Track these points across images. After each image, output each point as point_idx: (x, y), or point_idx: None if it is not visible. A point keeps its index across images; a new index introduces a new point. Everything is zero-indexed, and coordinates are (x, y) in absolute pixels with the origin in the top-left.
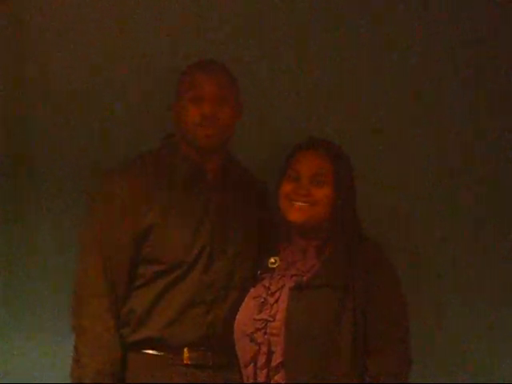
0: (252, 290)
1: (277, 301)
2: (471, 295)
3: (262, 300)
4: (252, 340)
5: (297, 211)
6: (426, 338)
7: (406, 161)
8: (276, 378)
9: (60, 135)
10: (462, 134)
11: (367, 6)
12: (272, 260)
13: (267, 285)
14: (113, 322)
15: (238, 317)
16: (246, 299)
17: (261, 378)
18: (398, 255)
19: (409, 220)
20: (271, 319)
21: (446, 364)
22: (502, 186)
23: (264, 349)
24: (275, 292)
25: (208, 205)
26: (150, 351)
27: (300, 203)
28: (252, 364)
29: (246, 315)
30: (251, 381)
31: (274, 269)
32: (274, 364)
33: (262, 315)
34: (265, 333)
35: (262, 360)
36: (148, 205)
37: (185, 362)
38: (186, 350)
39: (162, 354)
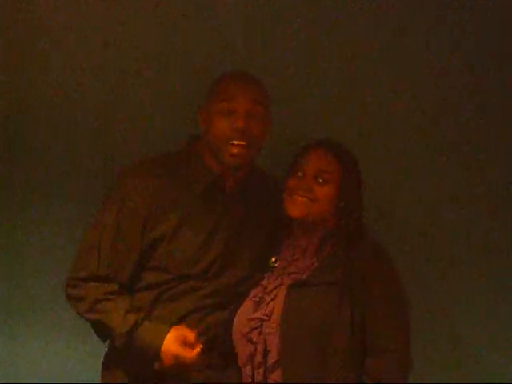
0: (252, 290)
1: (273, 299)
2: (475, 295)
3: (258, 299)
4: (249, 340)
5: (296, 205)
6: (428, 339)
7: (414, 161)
8: (273, 376)
9: (61, 135)
10: (467, 134)
11: (377, 9)
12: (273, 259)
13: (265, 284)
14: (116, 288)
15: (236, 318)
16: (245, 300)
17: (258, 378)
18: (401, 255)
19: (415, 220)
20: (266, 318)
21: (449, 364)
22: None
23: (260, 348)
24: (272, 290)
25: (223, 217)
26: None
27: (300, 198)
28: (249, 364)
29: (243, 315)
30: (249, 380)
31: (274, 268)
32: (269, 363)
33: (257, 314)
34: (260, 332)
35: (258, 359)
36: (163, 212)
37: None
38: None
39: None
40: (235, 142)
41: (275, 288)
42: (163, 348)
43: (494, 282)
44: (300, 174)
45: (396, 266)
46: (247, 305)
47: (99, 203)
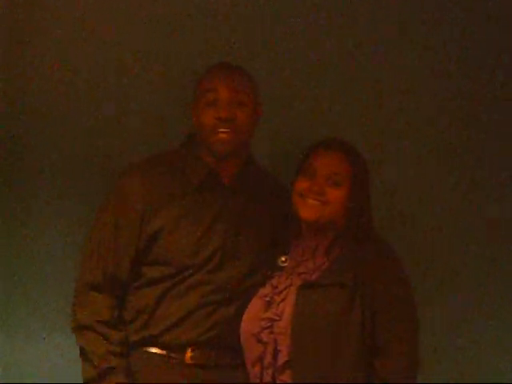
0: (260, 289)
1: (283, 299)
2: (477, 296)
3: (268, 299)
4: (258, 340)
5: (308, 208)
6: (434, 340)
7: (415, 161)
8: (282, 377)
9: (63, 135)
10: (470, 132)
11: (382, 8)
12: (282, 259)
13: (275, 284)
14: (109, 317)
15: (244, 317)
16: (254, 299)
17: (267, 378)
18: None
19: (419, 221)
20: (277, 318)
21: (450, 364)
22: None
23: (270, 348)
24: (282, 291)
25: (222, 210)
26: (153, 350)
27: (312, 200)
28: (258, 364)
29: (253, 315)
30: (258, 380)
31: (283, 267)
32: (279, 363)
33: (267, 314)
34: (271, 332)
35: (267, 359)
36: (160, 206)
37: (187, 361)
38: (189, 349)
39: (164, 352)
40: (221, 130)
41: (285, 288)
42: None
43: (496, 282)
44: (310, 174)
45: (404, 266)
46: (256, 304)
47: (100, 203)
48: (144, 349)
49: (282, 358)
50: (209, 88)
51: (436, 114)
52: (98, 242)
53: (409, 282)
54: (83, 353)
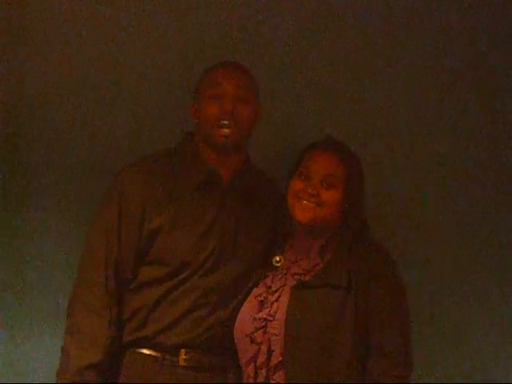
0: (254, 289)
1: (277, 300)
2: (475, 296)
3: (262, 299)
4: (252, 340)
5: (303, 210)
6: (427, 339)
7: (415, 164)
8: (275, 377)
9: (61, 135)
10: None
11: (378, 7)
12: (277, 258)
13: (268, 283)
14: (106, 320)
15: (238, 317)
16: (248, 299)
17: (261, 378)
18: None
19: (415, 222)
20: (271, 318)
21: (449, 364)
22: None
23: (264, 348)
24: (276, 291)
25: (220, 210)
26: (147, 351)
27: (307, 202)
28: (252, 364)
29: (247, 315)
30: (252, 380)
31: (277, 267)
32: (273, 363)
33: (261, 314)
34: (264, 332)
35: (261, 359)
36: (159, 205)
37: (180, 363)
38: (182, 351)
39: (158, 354)
40: (225, 123)
41: (279, 288)
42: None
43: (497, 283)
44: (306, 175)
45: (398, 268)
46: (250, 304)
47: (98, 202)
48: (138, 350)
49: (276, 358)
50: (214, 82)
51: (434, 114)
52: (100, 241)
53: (402, 284)
54: (64, 353)
